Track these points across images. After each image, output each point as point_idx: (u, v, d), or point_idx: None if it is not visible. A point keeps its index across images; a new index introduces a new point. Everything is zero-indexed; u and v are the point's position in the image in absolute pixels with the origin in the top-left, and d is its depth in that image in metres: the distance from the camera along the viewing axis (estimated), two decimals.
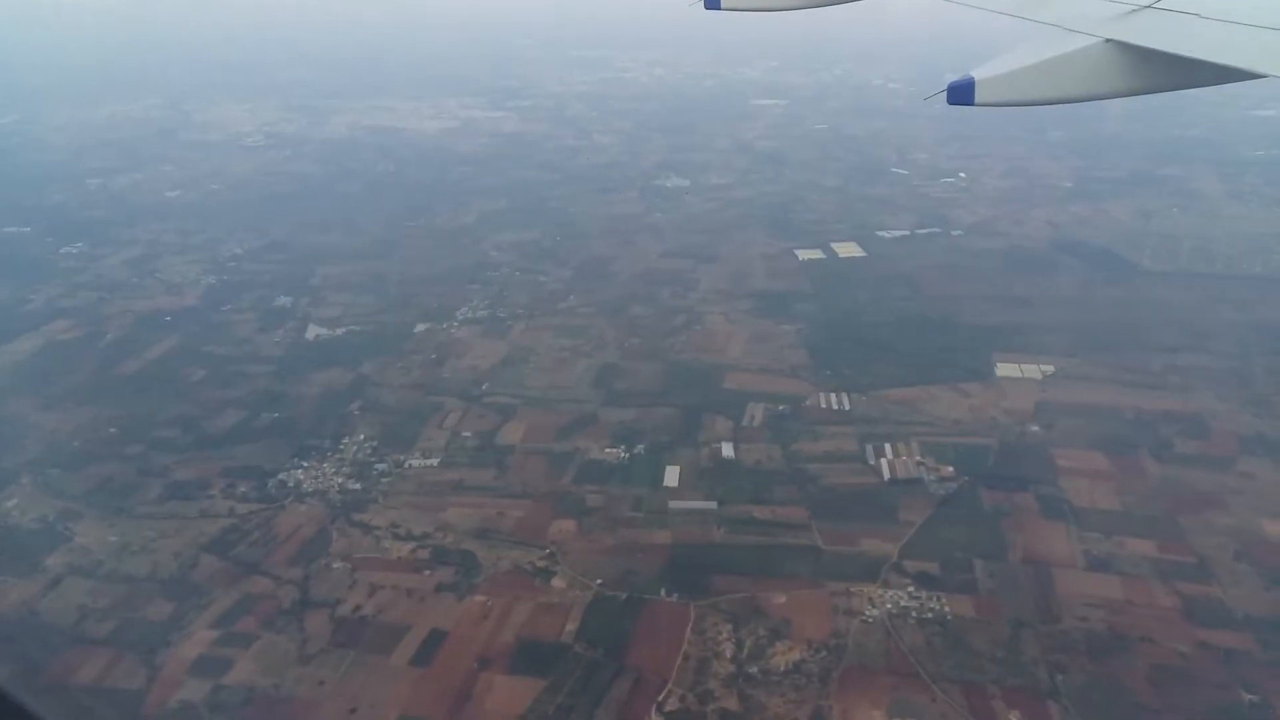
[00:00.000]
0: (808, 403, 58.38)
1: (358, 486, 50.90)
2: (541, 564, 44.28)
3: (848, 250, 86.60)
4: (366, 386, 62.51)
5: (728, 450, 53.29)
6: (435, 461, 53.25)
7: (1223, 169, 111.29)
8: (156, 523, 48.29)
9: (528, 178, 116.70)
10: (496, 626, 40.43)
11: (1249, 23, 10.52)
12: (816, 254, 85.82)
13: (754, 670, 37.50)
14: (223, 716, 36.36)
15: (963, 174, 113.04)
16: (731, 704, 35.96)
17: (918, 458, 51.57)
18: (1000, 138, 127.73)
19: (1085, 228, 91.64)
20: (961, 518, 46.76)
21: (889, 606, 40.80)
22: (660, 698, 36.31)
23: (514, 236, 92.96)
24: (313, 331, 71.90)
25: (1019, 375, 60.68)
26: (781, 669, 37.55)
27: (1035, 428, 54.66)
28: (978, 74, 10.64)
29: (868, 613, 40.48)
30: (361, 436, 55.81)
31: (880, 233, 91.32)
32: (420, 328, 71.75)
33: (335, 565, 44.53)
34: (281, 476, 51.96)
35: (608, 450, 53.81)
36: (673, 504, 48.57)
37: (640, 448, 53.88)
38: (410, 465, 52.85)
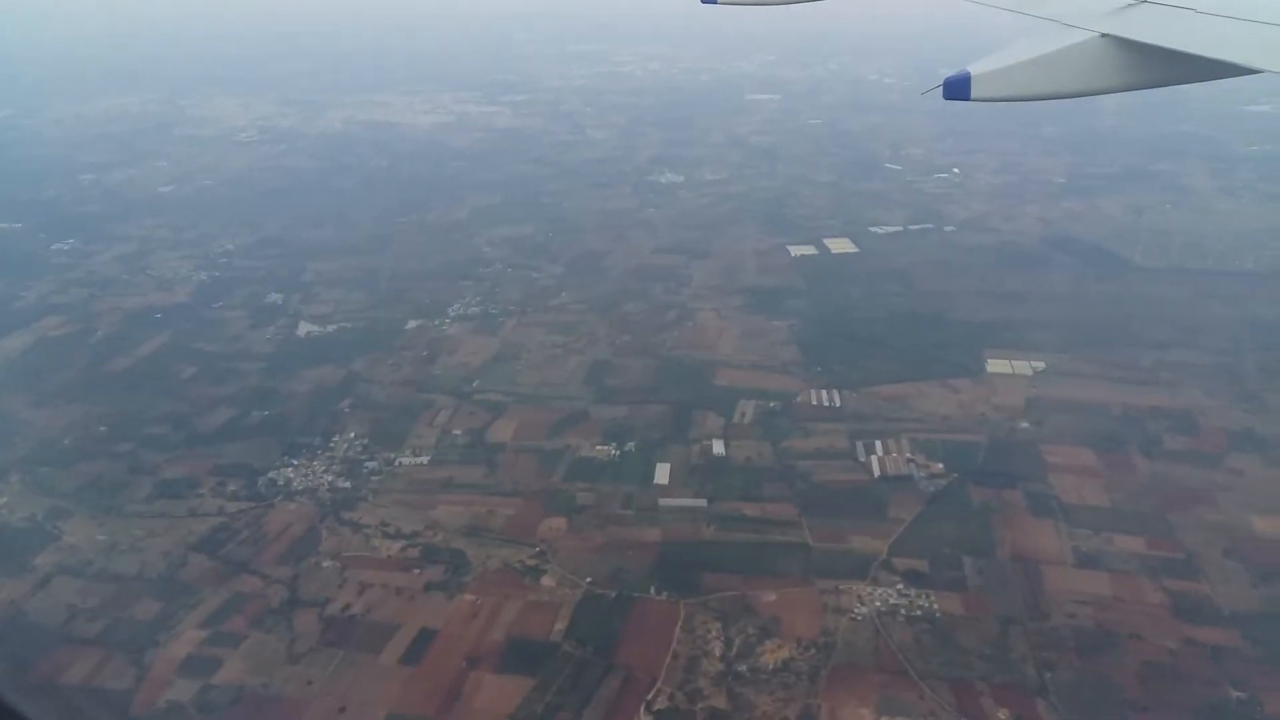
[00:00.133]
0: (799, 399, 58.41)
1: (348, 484, 50.85)
2: (531, 562, 44.27)
3: (840, 246, 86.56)
4: (357, 383, 62.41)
5: (718, 447, 53.30)
6: (425, 459, 53.20)
7: (1215, 164, 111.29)
8: (146, 521, 48.21)
9: (522, 173, 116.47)
10: (486, 625, 40.44)
11: (1244, 17, 10.54)
12: (809, 249, 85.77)
13: (743, 668, 37.56)
14: (211, 716, 36.35)
15: (956, 169, 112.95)
16: (720, 702, 36.02)
17: (908, 454, 51.63)
18: (994, 133, 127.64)
19: (1077, 223, 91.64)
20: (951, 515, 46.83)
21: (878, 604, 40.88)
22: (649, 696, 36.36)
23: (507, 232, 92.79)
24: (304, 328, 71.75)
25: (1010, 371, 60.73)
26: (770, 667, 37.60)
27: (1025, 424, 54.72)
28: (974, 69, 10.63)
29: (857, 610, 40.55)
30: (352, 434, 55.72)
31: (873, 228, 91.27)
32: (412, 324, 71.61)
33: (325, 564, 44.50)
34: (271, 475, 51.88)
35: (598, 447, 53.79)
36: (663, 501, 48.60)
37: (631, 445, 53.87)
38: (400, 463, 52.80)
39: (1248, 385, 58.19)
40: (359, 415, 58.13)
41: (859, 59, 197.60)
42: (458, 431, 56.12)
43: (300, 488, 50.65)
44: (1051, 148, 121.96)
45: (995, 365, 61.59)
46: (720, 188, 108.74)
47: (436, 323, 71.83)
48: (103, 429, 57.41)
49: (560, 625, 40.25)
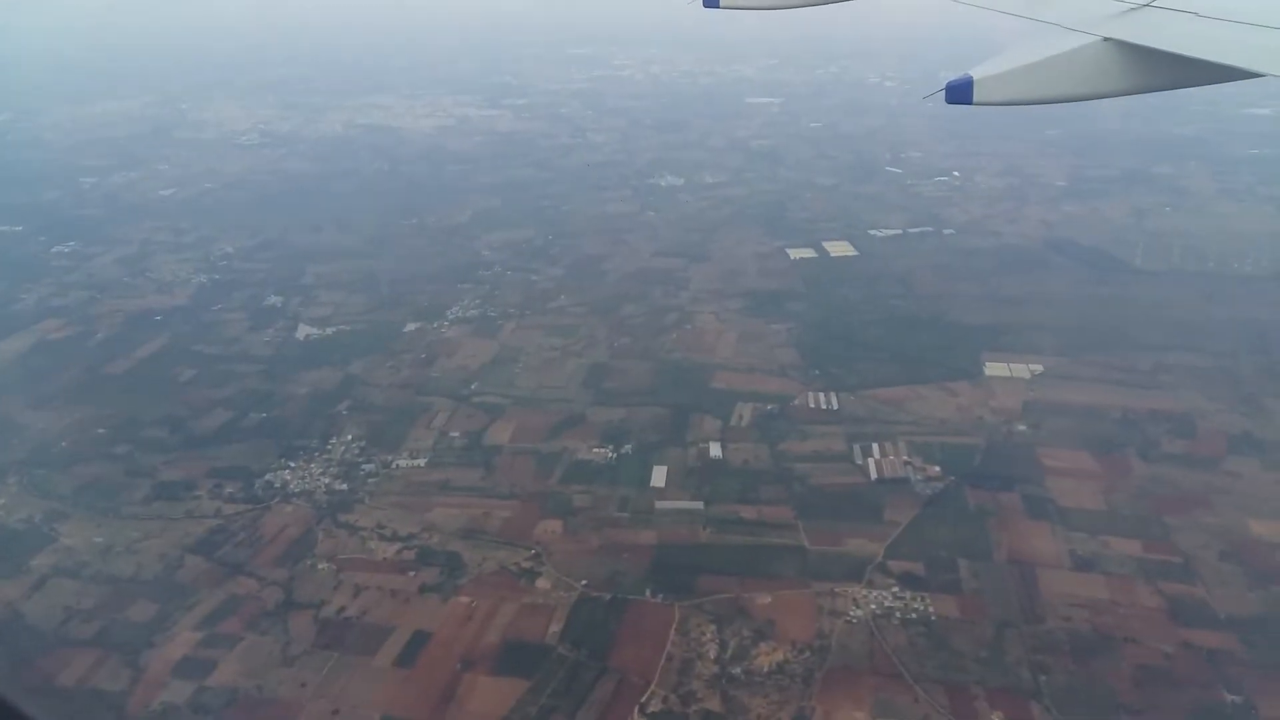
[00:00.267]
0: (796, 402, 58.38)
1: (344, 487, 50.89)
2: (527, 564, 44.27)
3: (840, 249, 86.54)
4: (355, 386, 62.48)
5: (715, 450, 53.27)
6: (422, 462, 53.22)
7: (1216, 167, 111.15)
8: (142, 523, 48.29)
9: (522, 176, 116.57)
10: (481, 627, 40.44)
11: (1246, 21, 10.56)
12: (808, 253, 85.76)
13: (737, 671, 37.51)
14: (205, 718, 36.38)
15: (956, 172, 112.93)
16: (714, 705, 35.98)
17: (905, 457, 51.58)
18: (995, 136, 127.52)
19: (1077, 226, 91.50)
20: (947, 517, 46.77)
21: (873, 607, 40.82)
22: (643, 699, 36.33)
23: (507, 235, 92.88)
24: (303, 331, 71.84)
25: (1007, 375, 60.66)
26: (765, 670, 37.56)
27: (1022, 427, 54.66)
28: (976, 73, 10.65)
29: (852, 613, 40.50)
30: (349, 437, 55.77)
31: (872, 231, 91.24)
32: (410, 327, 71.69)
33: (320, 566, 44.53)
34: (268, 477, 51.93)
35: (595, 450, 53.79)
36: (659, 504, 48.58)
37: (628, 447, 53.87)
38: (397, 465, 52.82)
39: (1246, 389, 58.08)
40: (357, 418, 58.18)
41: (860, 63, 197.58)
42: (455, 434, 56.14)
43: (297, 490, 50.70)
44: (1052, 150, 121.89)
45: (993, 368, 61.52)
46: (720, 191, 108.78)
47: (435, 325, 71.91)
48: (101, 431, 57.51)
49: (555, 627, 40.24)
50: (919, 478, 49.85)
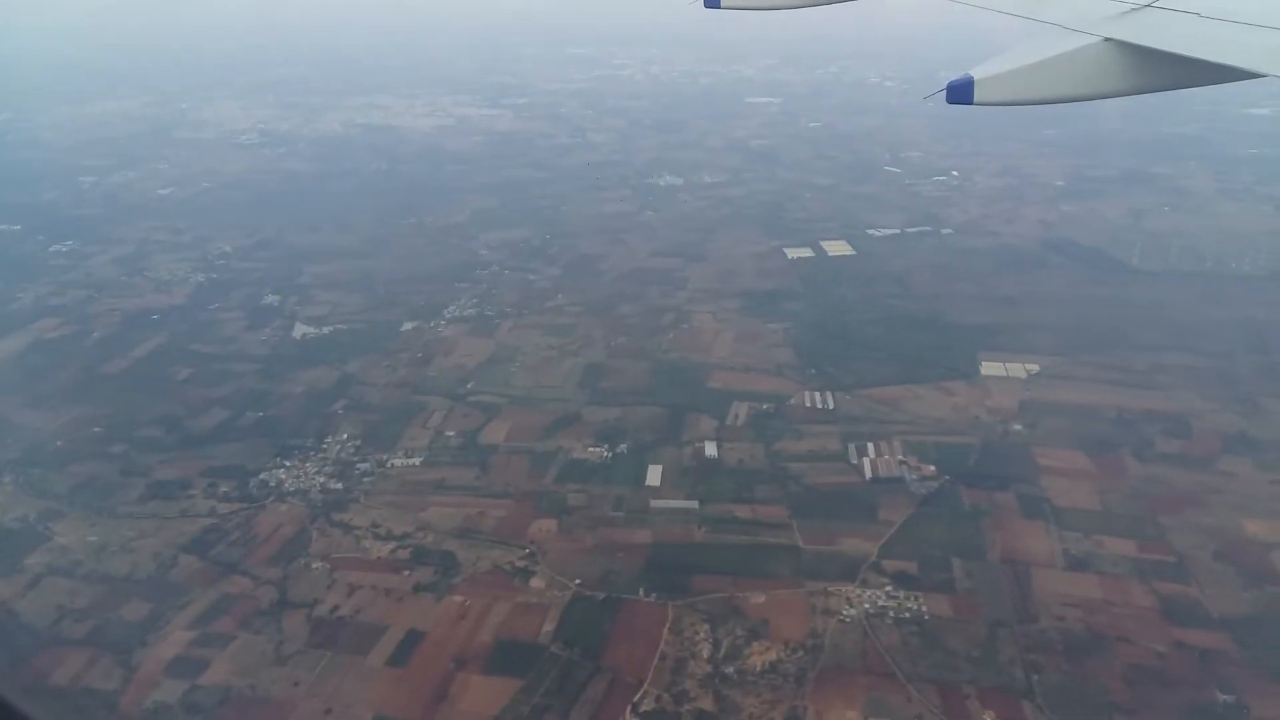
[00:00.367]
0: (792, 402, 58.35)
1: (339, 486, 50.88)
2: (521, 564, 44.27)
3: (837, 249, 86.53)
4: (351, 385, 62.48)
5: (711, 449, 53.26)
6: (418, 461, 53.22)
7: (1215, 167, 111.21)
8: (137, 522, 48.29)
9: (521, 176, 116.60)
10: (474, 627, 40.43)
11: (1247, 22, 10.54)
12: (806, 252, 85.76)
13: (730, 670, 37.50)
14: (198, 717, 36.37)
15: (955, 172, 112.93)
16: (707, 704, 35.99)
17: (900, 457, 51.55)
18: (994, 136, 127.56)
19: (1075, 226, 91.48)
20: (942, 517, 46.76)
21: (867, 606, 40.81)
22: (636, 698, 36.32)
23: (505, 235, 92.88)
24: (300, 330, 71.86)
25: (1004, 374, 60.64)
26: (758, 669, 37.55)
27: (1018, 427, 54.62)
28: (976, 73, 10.62)
29: (845, 612, 40.48)
30: (345, 436, 55.78)
31: (870, 231, 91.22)
32: (407, 326, 71.71)
33: (314, 565, 44.53)
34: (263, 476, 51.95)
35: (591, 449, 53.78)
36: (654, 503, 48.57)
37: (623, 447, 53.86)
38: (393, 465, 52.82)
39: (1242, 389, 58.03)
40: (352, 417, 58.18)
41: (860, 63, 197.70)
42: (451, 433, 56.13)
43: (292, 489, 50.70)
44: (1051, 150, 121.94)
45: (989, 368, 61.50)
46: (718, 191, 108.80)
47: (432, 325, 71.92)
48: (97, 430, 57.51)
49: (549, 627, 40.23)
50: (914, 477, 49.82)
